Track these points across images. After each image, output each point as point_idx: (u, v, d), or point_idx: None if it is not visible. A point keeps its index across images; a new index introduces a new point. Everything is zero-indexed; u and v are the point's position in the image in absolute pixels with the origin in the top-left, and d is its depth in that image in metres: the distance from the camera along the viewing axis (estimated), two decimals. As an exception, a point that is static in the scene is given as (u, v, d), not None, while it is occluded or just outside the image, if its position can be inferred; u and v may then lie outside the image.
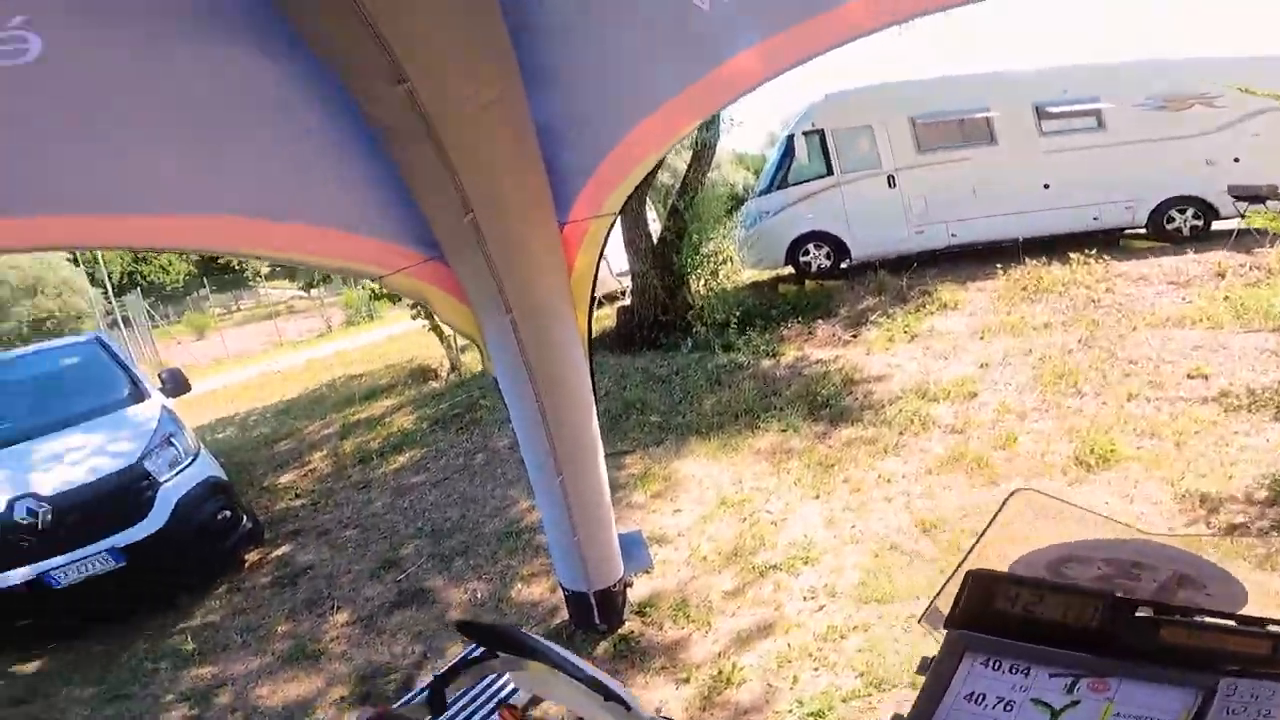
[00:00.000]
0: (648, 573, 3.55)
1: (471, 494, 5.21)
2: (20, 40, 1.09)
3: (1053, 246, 8.41)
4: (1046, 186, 8.88)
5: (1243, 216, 7.93)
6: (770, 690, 2.74)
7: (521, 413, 2.30)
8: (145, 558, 4.22)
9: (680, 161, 10.29)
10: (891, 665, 2.72)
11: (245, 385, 13.13)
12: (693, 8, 1.40)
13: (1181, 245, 8.26)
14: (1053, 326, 6.43)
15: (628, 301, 8.85)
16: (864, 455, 4.61)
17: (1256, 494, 3.57)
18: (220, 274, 42.41)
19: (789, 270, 9.82)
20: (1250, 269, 6.96)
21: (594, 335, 3.28)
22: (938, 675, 0.72)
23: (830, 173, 9.35)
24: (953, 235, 9.29)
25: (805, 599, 3.27)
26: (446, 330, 9.40)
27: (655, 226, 9.03)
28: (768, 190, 9.98)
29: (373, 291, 9.69)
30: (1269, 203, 7.32)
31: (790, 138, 9.52)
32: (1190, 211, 8.73)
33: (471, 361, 9.36)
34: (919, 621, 0.81)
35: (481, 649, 1.44)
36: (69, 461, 4.33)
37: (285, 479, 6.56)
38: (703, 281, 8.21)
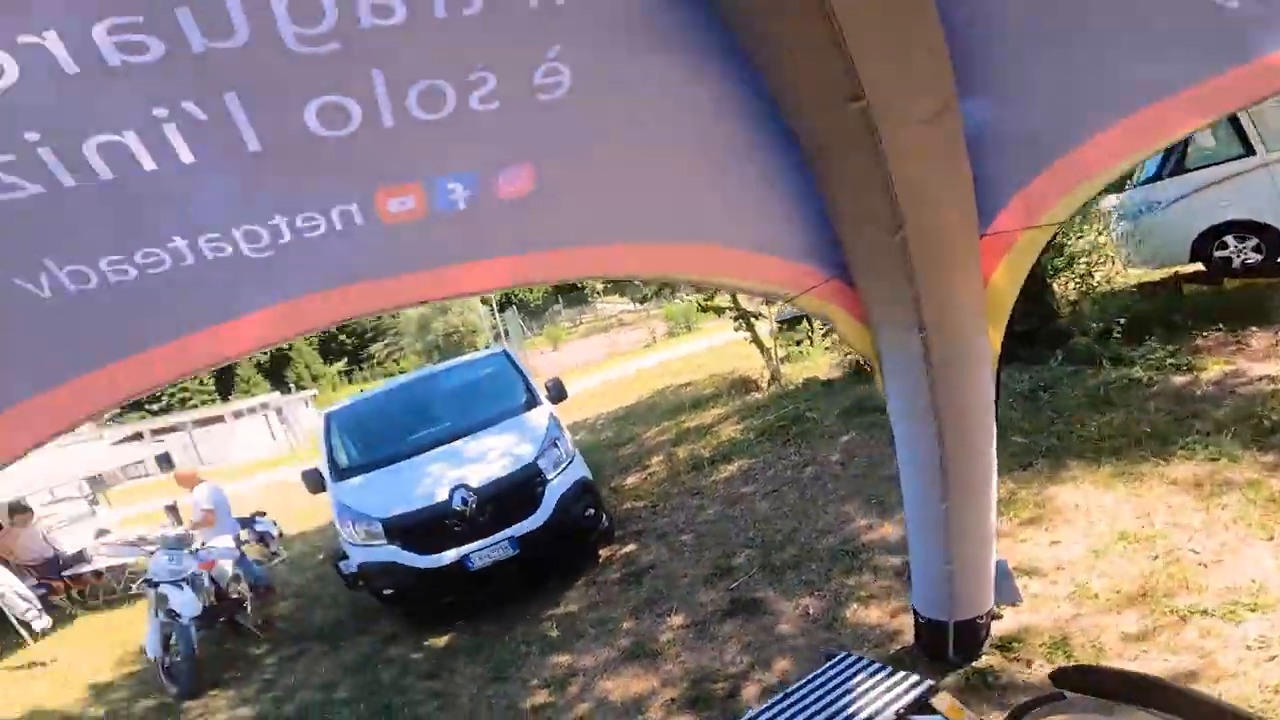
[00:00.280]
0: (1013, 606, 3.19)
1: (802, 508, 5.14)
2: (557, 73, 1.30)
3: None
4: None
5: None
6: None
7: (912, 434, 2.15)
8: (532, 548, 4.94)
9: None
10: None
11: (591, 393, 15.09)
12: (1212, 5, 1.13)
13: None
14: None
15: None
16: (1344, 499, 3.35)
17: None
18: (567, 291, 50.22)
19: (1194, 268, 7.71)
20: None
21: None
22: None
23: (1250, 152, 7.10)
24: None
25: (1250, 648, 2.66)
26: (766, 342, 9.57)
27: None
28: (1155, 178, 7.99)
29: (698, 304, 10.29)
30: None
31: None
32: None
33: (791, 373, 9.35)
34: None
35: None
36: (486, 459, 5.24)
37: (628, 481, 7.31)
38: (1072, 284, 6.90)
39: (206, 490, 6.26)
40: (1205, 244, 7.51)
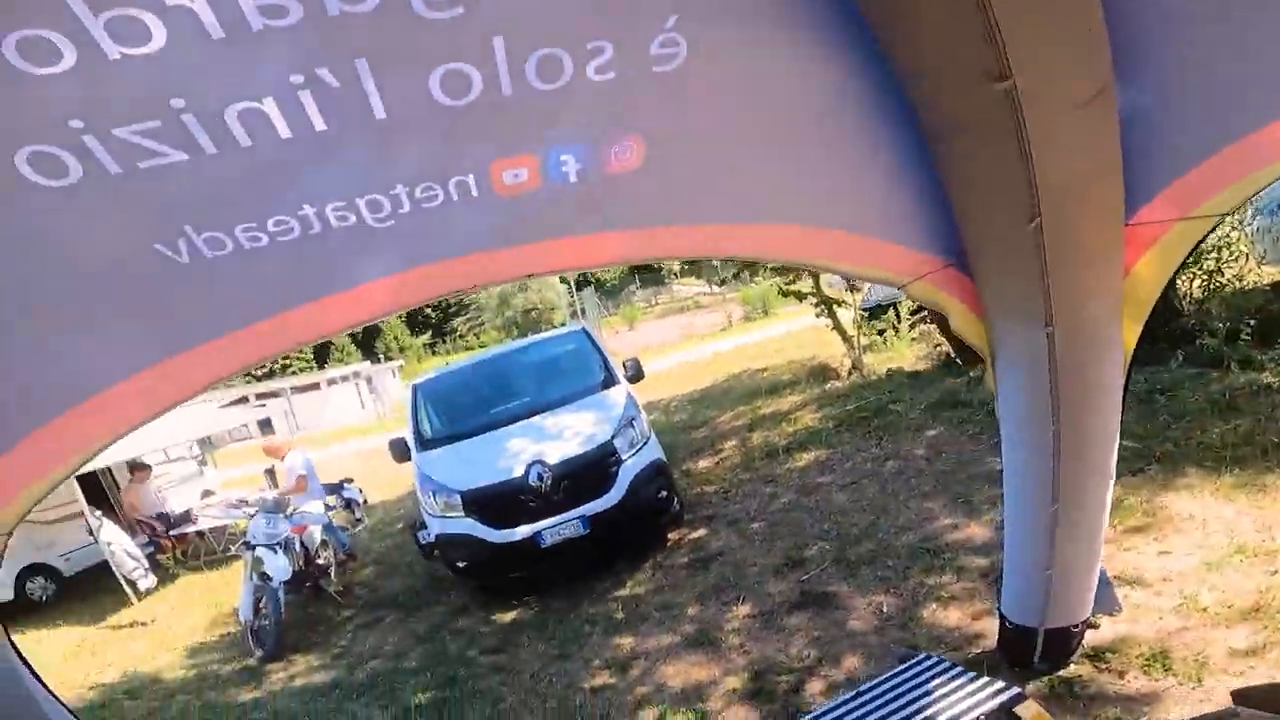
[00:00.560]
0: (1111, 615, 2.98)
1: (882, 502, 4.95)
2: (674, 44, 1.27)
3: None
4: None
5: None
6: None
7: (1024, 433, 2.01)
8: (603, 528, 4.95)
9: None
10: None
11: (665, 374, 15.08)
12: None
13: None
14: None
15: None
16: None
17: None
18: (644, 271, 50.35)
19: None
20: None
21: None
22: None
23: None
24: None
25: None
26: (849, 330, 9.24)
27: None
28: None
29: (779, 289, 10.02)
30: None
31: None
32: None
33: (874, 363, 9.01)
34: None
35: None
36: (563, 437, 5.27)
37: (701, 465, 7.25)
38: (1198, 281, 6.28)
39: (300, 458, 6.59)
40: None
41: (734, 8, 1.30)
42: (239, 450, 22.81)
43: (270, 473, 6.15)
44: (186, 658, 5.77)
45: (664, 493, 5.20)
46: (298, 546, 5.93)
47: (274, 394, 34.42)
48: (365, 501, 8.94)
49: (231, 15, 1.07)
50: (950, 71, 1.32)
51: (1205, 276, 6.34)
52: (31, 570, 8.17)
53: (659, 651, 3.90)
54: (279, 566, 5.39)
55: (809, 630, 3.66)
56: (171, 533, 8.63)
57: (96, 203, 1.20)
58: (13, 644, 1.64)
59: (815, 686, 3.21)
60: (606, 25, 1.27)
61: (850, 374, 8.88)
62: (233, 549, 7.91)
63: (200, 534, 8.70)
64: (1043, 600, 2.58)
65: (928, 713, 2.21)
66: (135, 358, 1.41)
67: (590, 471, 5.04)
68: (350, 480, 8.73)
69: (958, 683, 2.35)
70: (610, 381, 5.89)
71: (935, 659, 2.55)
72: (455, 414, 6.09)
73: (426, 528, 5.41)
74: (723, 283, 34.88)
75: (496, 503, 5.00)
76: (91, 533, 7.34)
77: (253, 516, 5.75)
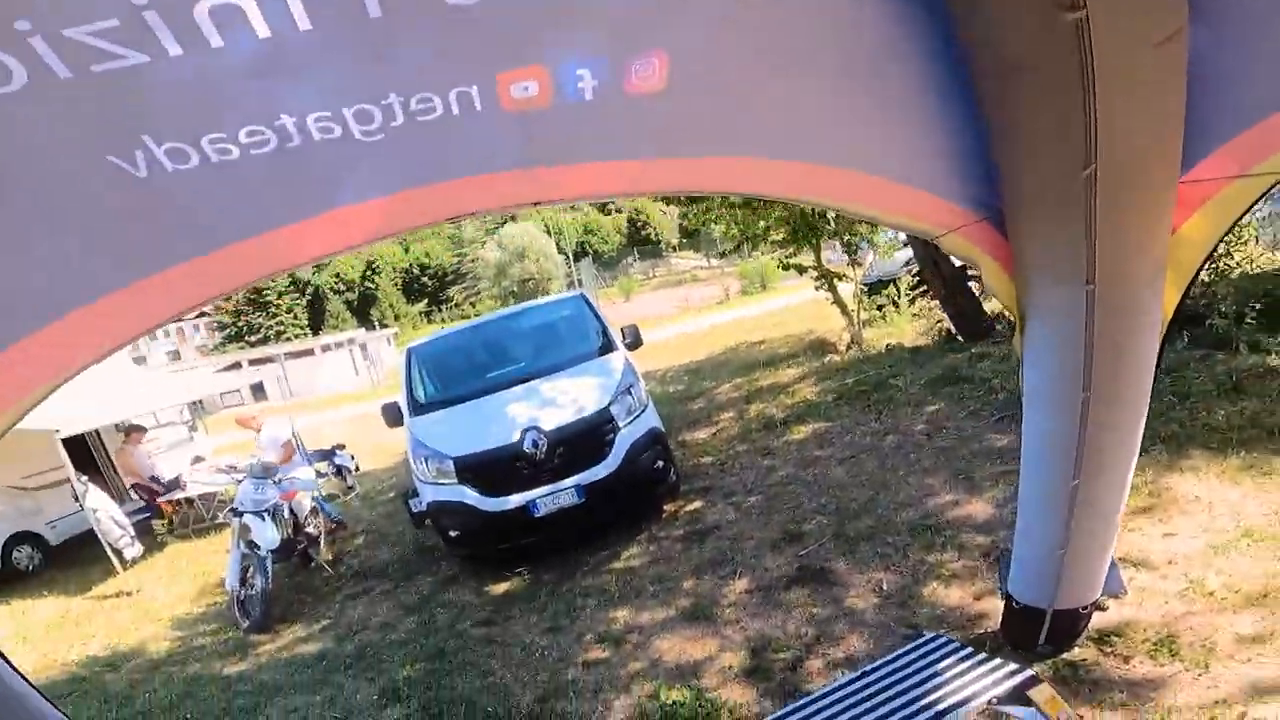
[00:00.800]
0: (1117, 598, 2.95)
1: (881, 477, 4.88)
2: None
3: None
4: None
5: None
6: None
7: (1050, 401, 1.91)
8: (598, 497, 4.84)
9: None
10: None
11: (663, 345, 14.99)
12: None
13: None
14: None
15: None
16: None
17: None
18: (642, 243, 50.07)
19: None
20: None
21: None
22: None
23: None
24: None
25: None
26: (849, 304, 9.14)
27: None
28: None
29: (779, 262, 9.89)
30: None
31: None
32: None
33: (873, 338, 8.93)
34: None
35: None
36: (559, 403, 5.13)
37: (697, 436, 7.18)
38: (1207, 264, 6.15)
39: (279, 426, 6.41)
40: None
41: None
42: (232, 415, 22.58)
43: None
44: (171, 629, 5.70)
45: (660, 463, 5.10)
46: (286, 513, 5.84)
47: (268, 359, 34.34)
48: (357, 468, 8.86)
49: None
50: (1015, 2, 1.18)
51: (1214, 259, 6.23)
52: (18, 539, 8.04)
53: (654, 626, 3.85)
54: (267, 535, 5.28)
55: (807, 607, 3.60)
56: (160, 499, 8.51)
57: (42, 111, 1.05)
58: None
59: (814, 665, 3.15)
60: None
61: (849, 348, 8.79)
62: (220, 516, 7.80)
63: (189, 501, 8.57)
64: (1053, 580, 2.51)
65: (936, 695, 2.14)
66: (90, 283, 1.26)
67: (586, 439, 4.93)
68: (342, 446, 8.65)
69: (967, 664, 2.28)
70: (608, 348, 5.75)
71: (944, 639, 2.48)
72: (450, 378, 5.95)
73: (418, 495, 5.32)
74: (721, 256, 34.78)
75: (490, 469, 4.89)
76: (77, 498, 7.20)
77: (240, 482, 5.64)
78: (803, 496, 4.95)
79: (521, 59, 1.25)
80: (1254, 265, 6.59)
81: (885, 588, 3.59)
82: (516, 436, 4.88)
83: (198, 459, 9.83)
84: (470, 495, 4.91)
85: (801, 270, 9.54)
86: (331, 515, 6.78)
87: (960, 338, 7.54)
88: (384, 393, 21.34)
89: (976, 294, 7.84)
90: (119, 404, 8.74)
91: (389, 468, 9.69)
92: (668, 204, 10.96)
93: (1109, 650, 2.76)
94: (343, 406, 22.74)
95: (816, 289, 9.52)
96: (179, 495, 8.58)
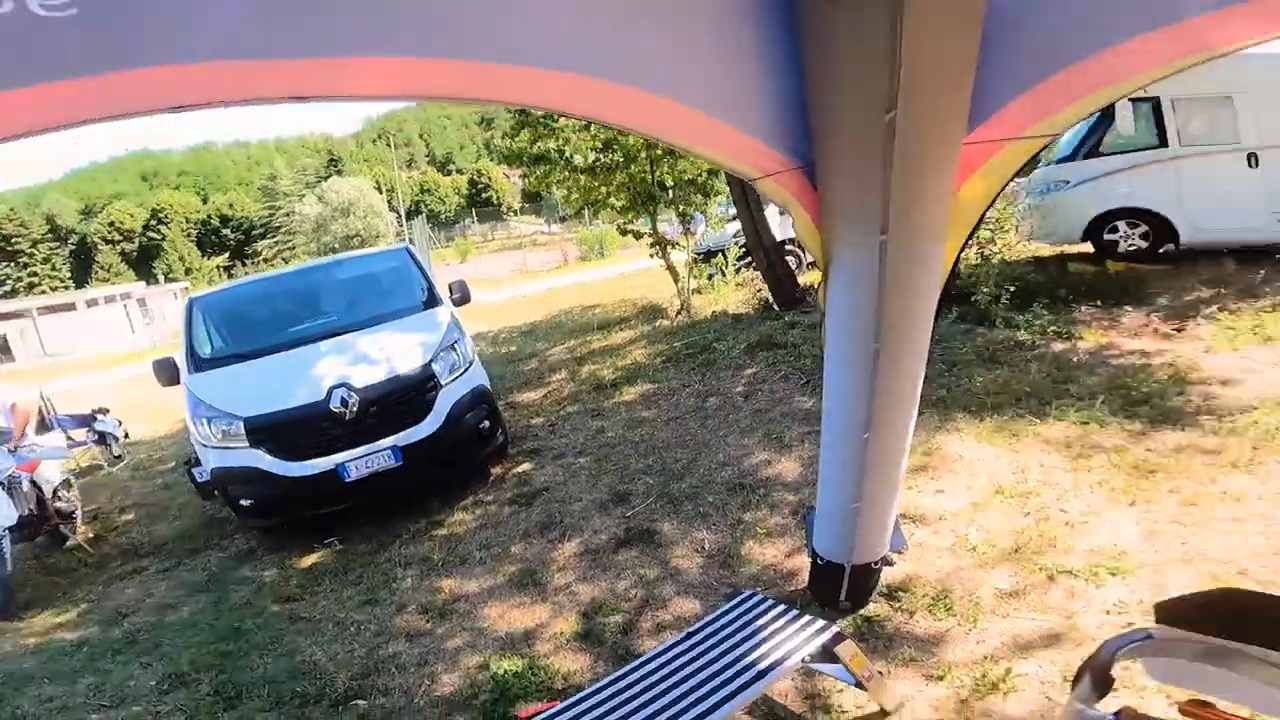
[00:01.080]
0: (900, 554, 3.19)
1: (704, 438, 5.08)
2: None
3: None
4: None
5: None
6: (1049, 705, 2.35)
7: (848, 351, 2.00)
8: (418, 459, 4.51)
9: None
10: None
11: (498, 306, 14.55)
12: None
13: None
14: None
15: None
16: (1201, 466, 3.64)
17: None
18: (482, 206, 48.49)
19: (1084, 248, 8.26)
20: None
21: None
22: None
23: (1163, 144, 7.56)
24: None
25: (1109, 613, 2.74)
26: (680, 271, 9.45)
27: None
28: (1069, 158, 8.39)
29: (618, 228, 9.99)
30: None
31: (1111, 104, 7.74)
32: None
33: (702, 304, 9.31)
34: None
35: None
36: (373, 359, 4.71)
37: (527, 397, 7.04)
38: (974, 248, 7.15)
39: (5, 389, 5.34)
40: (1098, 226, 8.01)
41: None
42: (-42, 376, 18.54)
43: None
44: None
45: (487, 423, 4.89)
46: (26, 486, 4.87)
47: (17, 314, 28.70)
48: (126, 435, 7.63)
49: None
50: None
51: (981, 245, 7.22)
52: None
53: (481, 594, 3.69)
54: (0, 511, 4.40)
55: (635, 568, 3.63)
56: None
57: None
58: None
59: (645, 626, 3.17)
60: None
61: (679, 314, 9.10)
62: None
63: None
64: (850, 536, 2.64)
65: (756, 654, 2.20)
66: None
67: (404, 397, 4.58)
68: (105, 410, 7.38)
69: (781, 622, 2.37)
70: (433, 302, 5.40)
71: (759, 597, 2.57)
72: (242, 331, 5.27)
73: (201, 463, 4.66)
74: (561, 221, 34.54)
75: (290, 431, 4.40)
76: None
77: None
78: (630, 457, 5.02)
79: None
80: (1011, 252, 7.74)
81: (708, 547, 3.70)
82: (322, 394, 4.41)
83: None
84: (266, 460, 4.39)
85: (638, 236, 9.72)
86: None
87: (776, 306, 8.08)
88: (166, 352, 18.62)
89: (792, 266, 8.43)
90: None
91: (170, 434, 8.47)
92: (511, 167, 10.61)
93: (898, 606, 2.96)
94: (115, 368, 19.54)
95: (651, 256, 9.75)
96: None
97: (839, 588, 2.90)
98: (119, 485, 6.77)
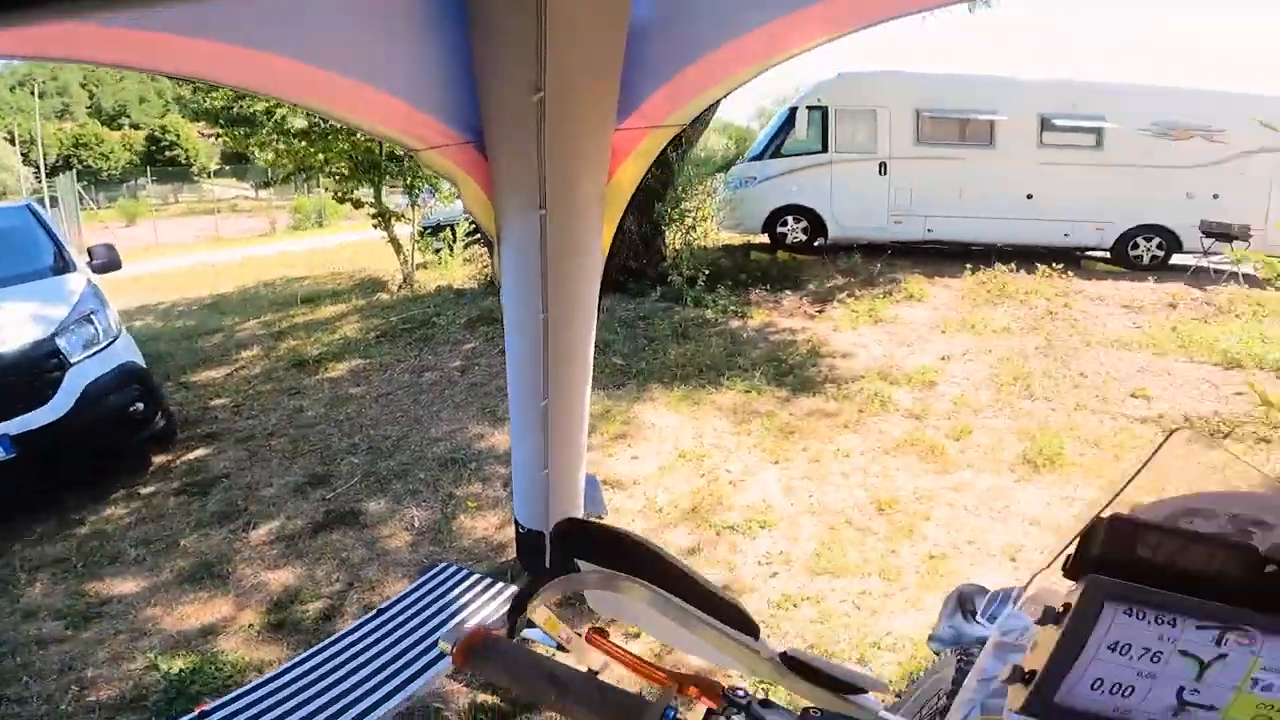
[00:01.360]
0: (600, 519, 3.48)
1: (416, 414, 4.94)
2: None
3: (1021, 255, 8.56)
4: (1029, 197, 9.00)
5: (1205, 253, 8.25)
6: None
7: (521, 321, 2.09)
8: (38, 449, 3.74)
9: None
10: (842, 640, 2.67)
11: (173, 274, 12.28)
12: None
13: (1141, 272, 8.54)
14: (1012, 331, 6.54)
15: None
16: (824, 427, 4.57)
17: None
18: (164, 166, 40.28)
19: (763, 239, 9.78)
20: (1201, 304, 7.23)
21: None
22: (1078, 623, 0.67)
23: (825, 150, 9.31)
24: (929, 231, 9.37)
25: (761, 564, 3.22)
26: (404, 245, 9.03)
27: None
28: (758, 157, 9.87)
29: (336, 196, 9.18)
30: (1235, 242, 7.59)
31: (793, 110, 9.36)
32: (1155, 241, 9.00)
33: (426, 279, 8.99)
34: (1064, 568, 0.73)
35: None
36: None
37: (206, 376, 6.12)
38: (678, 235, 8.04)
39: None
40: (774, 220, 9.56)
41: None
42: None
43: None
44: None
45: (140, 405, 4.17)
46: None
47: None
48: None
49: None
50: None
51: (685, 232, 8.14)
52: None
53: (141, 594, 3.16)
54: None
55: (336, 552, 3.39)
56: None
57: None
58: None
59: (351, 610, 2.99)
60: None
61: (401, 288, 8.69)
62: None
63: None
64: (544, 503, 2.70)
65: (449, 624, 2.22)
66: None
67: (13, 377, 3.72)
68: None
69: (475, 591, 2.41)
70: (64, 269, 4.47)
71: (454, 568, 2.57)
72: None
73: None
74: (265, 185, 30.30)
75: None
76: None
77: None
78: (333, 437, 4.68)
79: None
80: (708, 240, 8.84)
81: (418, 524, 3.61)
82: None
83: None
84: None
85: (358, 205, 9.04)
86: None
87: (496, 281, 8.18)
88: None
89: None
90: None
91: None
92: (210, 126, 9.11)
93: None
94: None
95: (374, 226, 9.16)
96: None
97: (543, 555, 2.91)
98: None
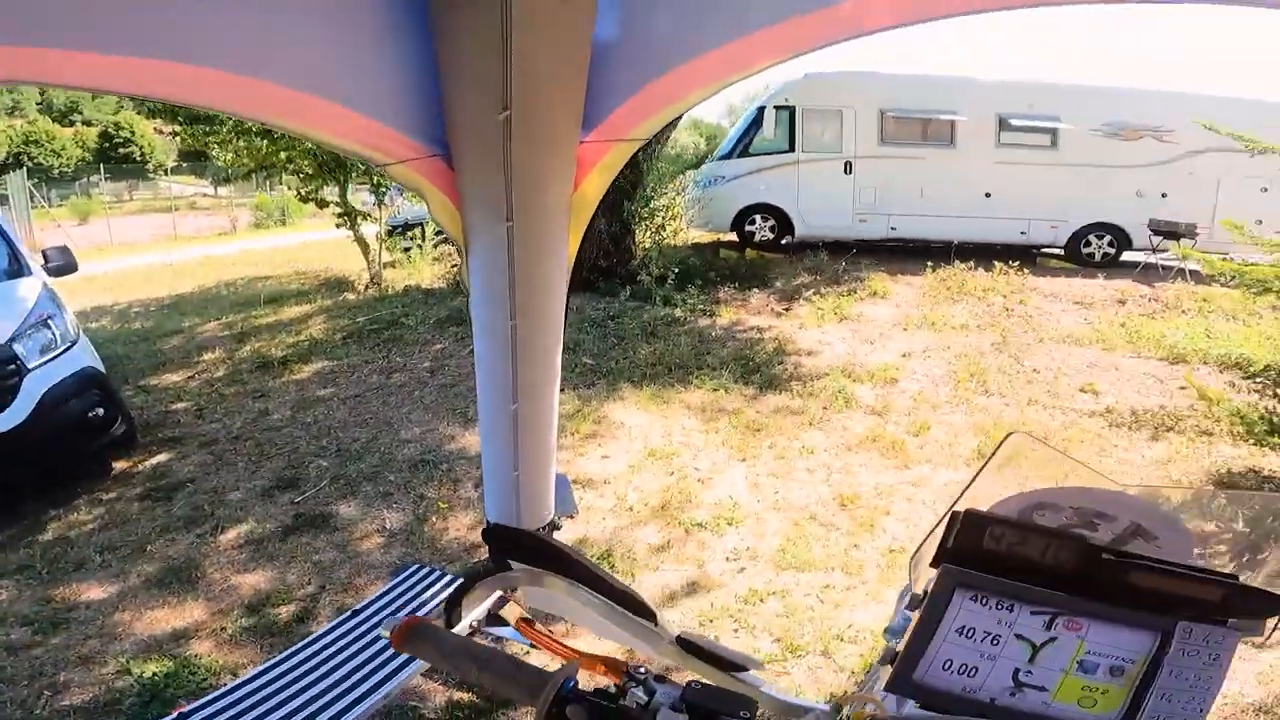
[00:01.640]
0: (571, 518, 3.48)
1: (386, 415, 4.92)
2: None
3: (980, 253, 8.81)
4: (988, 195, 9.26)
5: (1154, 250, 8.60)
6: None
7: (489, 328, 2.13)
8: None
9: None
10: (806, 633, 2.76)
11: (130, 274, 11.94)
12: None
13: (1092, 269, 8.86)
14: (969, 328, 6.75)
15: None
16: (790, 425, 4.68)
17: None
18: (118, 163, 39.05)
19: (732, 237, 9.89)
20: (1149, 300, 7.54)
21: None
22: (933, 608, 0.74)
23: (792, 149, 9.46)
24: (892, 229, 9.58)
25: (728, 560, 3.29)
26: (371, 244, 8.93)
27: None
28: (727, 156, 9.98)
29: (299, 193, 9.03)
30: (1182, 240, 7.93)
31: (761, 109, 9.48)
32: (1106, 239, 9.34)
33: (394, 279, 8.90)
34: (910, 558, 0.84)
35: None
36: None
37: (167, 379, 6.00)
38: (648, 234, 8.10)
39: None
40: (742, 218, 9.69)
41: None
42: None
43: None
44: None
45: (100, 410, 4.10)
46: None
47: None
48: None
49: None
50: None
51: (655, 231, 8.20)
52: None
53: (110, 600, 3.12)
54: None
55: (308, 555, 3.38)
56: None
57: None
58: None
59: (326, 613, 2.99)
60: None
61: (368, 288, 8.60)
62: None
63: None
64: (515, 503, 2.80)
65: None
66: None
67: None
68: None
69: (449, 591, 2.44)
70: (17, 272, 4.37)
71: (426, 568, 2.59)
72: None
73: None
74: (225, 182, 29.57)
75: None
76: None
77: None
78: (300, 440, 4.64)
79: None
80: (677, 239, 8.91)
81: (390, 526, 3.61)
82: None
83: None
84: None
85: (322, 205, 8.91)
86: None
87: (464, 290, 8.14)
88: None
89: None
90: None
91: None
92: (167, 123, 8.90)
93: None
94: None
95: (338, 226, 9.04)
96: None
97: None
98: None
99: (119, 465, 4.40)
